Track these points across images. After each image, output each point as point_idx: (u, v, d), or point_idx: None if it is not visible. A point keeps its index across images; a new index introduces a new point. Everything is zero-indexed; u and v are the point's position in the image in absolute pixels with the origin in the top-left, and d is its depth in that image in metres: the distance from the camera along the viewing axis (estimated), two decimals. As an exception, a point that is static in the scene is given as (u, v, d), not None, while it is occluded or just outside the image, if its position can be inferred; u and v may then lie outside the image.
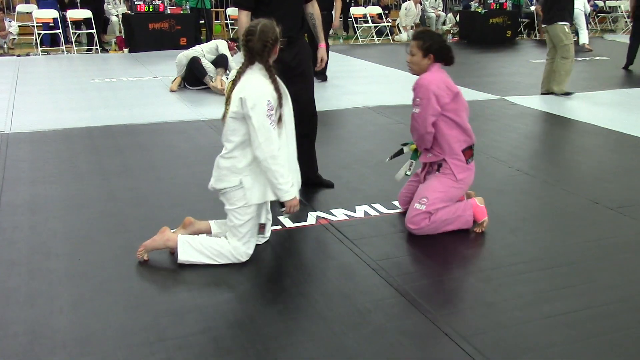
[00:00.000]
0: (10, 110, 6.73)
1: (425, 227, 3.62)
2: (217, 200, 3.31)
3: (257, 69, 3.11)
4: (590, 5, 13.98)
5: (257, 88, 3.04)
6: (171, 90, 7.91)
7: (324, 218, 3.86)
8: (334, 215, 3.91)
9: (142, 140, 5.63)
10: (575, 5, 13.29)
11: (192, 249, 3.19)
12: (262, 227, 3.35)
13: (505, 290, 3.03)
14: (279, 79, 3.15)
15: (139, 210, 3.98)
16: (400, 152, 4.00)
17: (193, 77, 8.08)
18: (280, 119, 3.14)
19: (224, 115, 3.15)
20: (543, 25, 8.10)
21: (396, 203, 4.09)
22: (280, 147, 3.10)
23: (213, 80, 7.92)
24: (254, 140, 3.04)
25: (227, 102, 3.12)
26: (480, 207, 3.75)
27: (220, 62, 8.08)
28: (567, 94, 7.85)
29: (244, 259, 3.23)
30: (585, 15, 14.04)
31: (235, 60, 8.04)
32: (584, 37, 13.19)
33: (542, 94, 8.02)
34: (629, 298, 2.96)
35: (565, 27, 7.73)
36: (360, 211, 3.99)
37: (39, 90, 7.88)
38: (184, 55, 8.12)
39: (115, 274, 3.12)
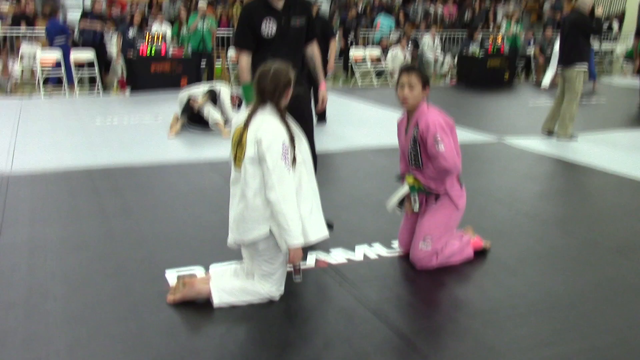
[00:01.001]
0: (11, 150, 6.76)
1: (433, 266, 3.71)
2: (216, 242, 3.31)
3: (269, 110, 3.11)
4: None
5: (271, 129, 3.03)
6: (169, 137, 7.88)
7: (323, 260, 3.85)
8: (334, 256, 3.90)
9: (142, 181, 5.65)
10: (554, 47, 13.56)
11: (226, 294, 3.19)
12: (297, 271, 3.24)
13: (506, 334, 3.01)
14: (290, 121, 3.16)
15: (138, 251, 3.97)
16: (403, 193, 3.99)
17: (196, 117, 8.15)
18: (294, 161, 3.11)
19: (236, 159, 3.12)
20: (559, 67, 8.10)
21: (396, 244, 4.08)
22: (294, 190, 3.06)
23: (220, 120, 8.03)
24: (267, 181, 3.00)
25: (238, 146, 3.09)
26: (474, 239, 3.90)
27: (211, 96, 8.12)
28: (571, 137, 7.86)
29: (278, 298, 3.27)
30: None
31: (234, 112, 8.17)
32: (547, 79, 13.36)
33: (543, 133, 8.06)
34: (630, 340, 2.94)
35: (582, 72, 7.75)
36: (359, 252, 3.98)
37: (40, 131, 7.93)
38: (186, 94, 8.25)
39: (113, 316, 3.10)
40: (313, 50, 4.37)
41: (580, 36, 7.74)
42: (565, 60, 7.84)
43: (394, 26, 16.86)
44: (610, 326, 3.08)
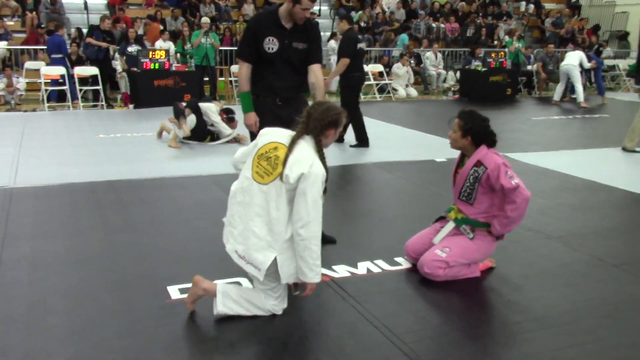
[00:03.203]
0: (15, 165, 6.78)
1: (438, 276, 3.71)
2: (218, 257, 3.30)
3: (310, 142, 3.10)
4: (594, 63, 14.08)
5: (317, 165, 3.01)
6: (169, 146, 8.00)
7: (326, 275, 3.83)
8: (336, 272, 3.88)
9: (144, 195, 5.64)
10: (567, 61, 13.62)
11: (231, 301, 3.16)
12: (296, 286, 3.23)
13: (510, 350, 2.99)
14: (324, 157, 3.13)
15: (140, 266, 3.95)
16: (442, 217, 4.01)
17: (199, 131, 8.22)
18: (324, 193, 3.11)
19: (263, 174, 3.06)
20: (636, 86, 8.31)
21: (399, 259, 4.07)
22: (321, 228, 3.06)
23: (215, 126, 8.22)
24: (303, 216, 2.95)
25: (271, 162, 3.05)
26: (482, 264, 3.92)
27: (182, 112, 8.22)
28: (634, 151, 8.03)
29: (280, 312, 3.24)
30: (587, 71, 14.25)
31: (222, 126, 8.31)
32: (580, 95, 13.36)
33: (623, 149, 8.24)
34: (636, 358, 2.91)
35: None
36: (362, 267, 3.96)
37: (44, 146, 7.95)
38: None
39: (115, 331, 3.09)
40: (315, 73, 4.30)
41: None
42: None
43: (407, 41, 17.22)
44: (615, 342, 3.06)
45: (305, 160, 2.99)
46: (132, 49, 12.42)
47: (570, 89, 14.33)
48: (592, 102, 13.86)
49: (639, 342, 3.07)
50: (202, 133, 8.30)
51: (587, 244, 4.48)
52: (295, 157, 3.01)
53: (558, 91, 13.95)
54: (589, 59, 13.96)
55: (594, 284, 3.78)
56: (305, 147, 3.07)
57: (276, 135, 3.16)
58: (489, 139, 3.77)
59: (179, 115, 8.13)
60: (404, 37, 17.25)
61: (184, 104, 8.44)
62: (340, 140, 8.34)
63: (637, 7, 22.00)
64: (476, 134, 3.73)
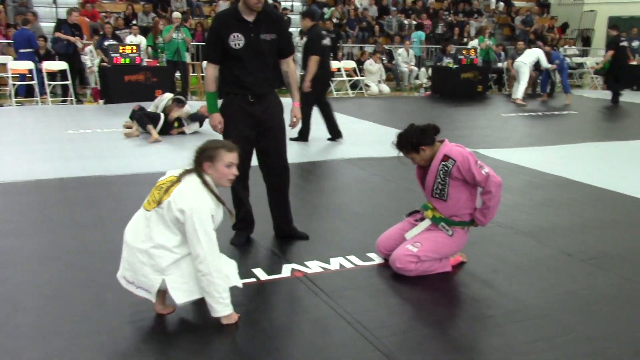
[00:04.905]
0: (-19, 161, 6.65)
1: (409, 271, 3.74)
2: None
3: (196, 177, 3.08)
4: (556, 64, 14.11)
5: (201, 199, 2.99)
6: (126, 135, 8.35)
7: (298, 270, 3.84)
8: (309, 268, 3.88)
9: (115, 191, 5.58)
10: (519, 58, 13.72)
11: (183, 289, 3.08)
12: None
13: (481, 343, 3.03)
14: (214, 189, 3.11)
15: (111, 263, 3.89)
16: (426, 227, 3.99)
17: (165, 127, 8.50)
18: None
19: (150, 201, 3.08)
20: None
21: (371, 255, 4.09)
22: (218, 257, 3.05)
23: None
24: (199, 253, 2.94)
25: (163, 192, 3.05)
26: (455, 257, 3.98)
27: (153, 118, 8.39)
28: None
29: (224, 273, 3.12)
30: (547, 72, 14.33)
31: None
32: (519, 92, 13.32)
33: None
34: (604, 350, 2.97)
35: None
36: (335, 263, 3.97)
37: (11, 141, 7.81)
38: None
39: (86, 329, 3.05)
40: (288, 66, 4.29)
41: None
42: None
43: (424, 37, 17.61)
44: (584, 335, 3.11)
45: (189, 195, 2.99)
46: (107, 43, 12.26)
47: (542, 85, 14.52)
48: (558, 101, 14.05)
49: (608, 335, 3.13)
50: (169, 126, 8.59)
51: (556, 239, 4.55)
52: (179, 189, 3.02)
53: (515, 90, 13.81)
54: (550, 58, 13.88)
55: (564, 279, 3.84)
56: (193, 181, 3.07)
57: (176, 170, 3.17)
58: (431, 131, 3.79)
59: (145, 124, 8.26)
60: (420, 34, 17.63)
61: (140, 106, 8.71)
62: (304, 139, 8.32)
63: (604, 5, 22.40)
64: (420, 139, 3.76)
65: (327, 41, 8.27)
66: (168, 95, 8.97)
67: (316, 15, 8.99)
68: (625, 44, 14.48)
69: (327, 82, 8.88)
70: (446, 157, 3.73)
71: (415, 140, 3.76)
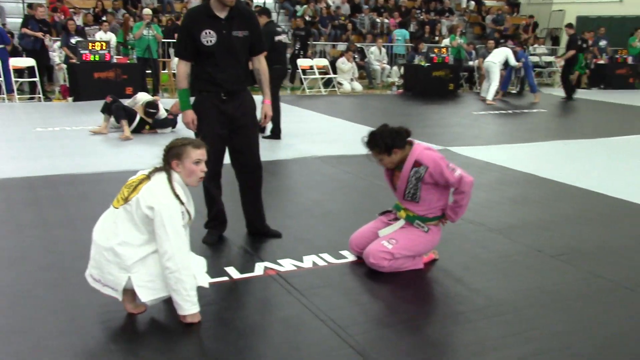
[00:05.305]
0: (-54, 159, 6.51)
1: (382, 267, 3.75)
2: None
3: (164, 176, 3.07)
4: (521, 62, 14.28)
5: (169, 197, 2.98)
6: (93, 132, 8.30)
7: (271, 269, 3.82)
8: (282, 266, 3.87)
9: (84, 190, 5.50)
10: (489, 58, 13.87)
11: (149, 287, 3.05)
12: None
13: (452, 339, 3.05)
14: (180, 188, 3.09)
15: (81, 262, 3.83)
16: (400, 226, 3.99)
17: (137, 125, 8.38)
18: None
19: (118, 199, 3.06)
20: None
21: (344, 252, 4.09)
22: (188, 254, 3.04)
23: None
24: (167, 250, 2.92)
25: (132, 190, 3.03)
26: (426, 257, 3.98)
27: (130, 114, 8.33)
28: None
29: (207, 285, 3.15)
30: (513, 70, 14.50)
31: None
32: (490, 93, 13.35)
33: None
34: (573, 344, 3.01)
35: None
36: (308, 261, 3.96)
37: (-23, 139, 7.66)
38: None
39: (55, 329, 3.00)
40: (260, 63, 4.26)
41: None
42: None
43: (408, 36, 17.62)
44: (554, 330, 3.15)
45: (157, 192, 2.98)
46: (75, 40, 12.08)
47: (504, 83, 14.69)
48: (527, 99, 14.22)
49: (577, 330, 3.17)
50: (141, 126, 8.48)
51: (526, 235, 4.60)
52: (148, 186, 3.01)
53: (484, 88, 13.94)
54: (517, 57, 14.01)
55: (534, 274, 3.88)
56: (162, 179, 3.05)
57: (147, 169, 3.16)
58: (404, 134, 3.79)
59: (121, 118, 8.15)
60: (404, 33, 17.66)
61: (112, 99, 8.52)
62: (277, 137, 8.31)
63: (572, 5, 22.72)
64: (394, 141, 3.75)
65: (282, 37, 8.35)
66: (142, 97, 8.72)
67: (270, 13, 9.05)
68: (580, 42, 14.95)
69: (282, 77, 8.97)
70: (418, 163, 3.72)
71: (389, 141, 3.74)
